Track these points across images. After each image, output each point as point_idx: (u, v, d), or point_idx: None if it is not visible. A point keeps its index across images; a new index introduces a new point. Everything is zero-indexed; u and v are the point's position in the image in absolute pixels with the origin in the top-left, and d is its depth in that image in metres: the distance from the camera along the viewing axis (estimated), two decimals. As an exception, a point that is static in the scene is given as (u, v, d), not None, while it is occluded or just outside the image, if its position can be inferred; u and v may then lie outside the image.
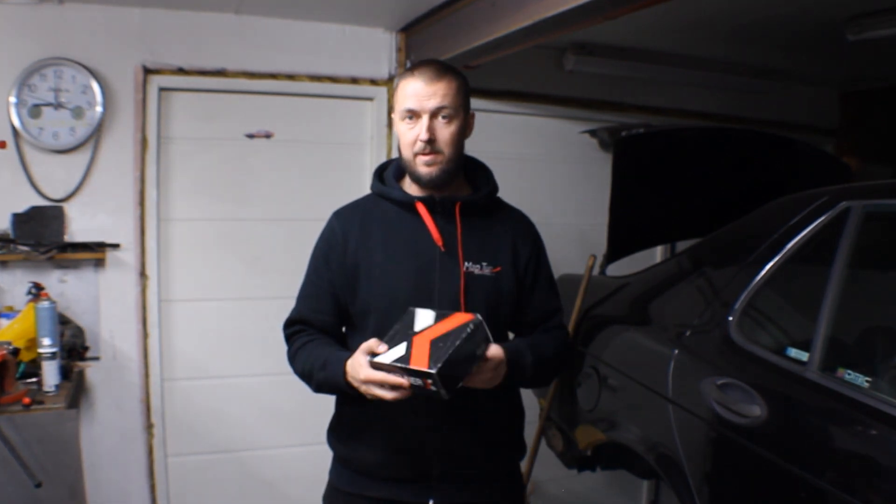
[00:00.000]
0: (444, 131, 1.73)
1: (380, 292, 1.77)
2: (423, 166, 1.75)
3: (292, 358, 1.85)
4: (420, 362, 1.48)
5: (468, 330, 1.52)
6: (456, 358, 1.49)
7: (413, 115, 1.72)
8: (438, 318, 1.58)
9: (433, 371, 1.45)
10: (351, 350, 1.81)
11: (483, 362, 1.57)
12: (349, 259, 1.81)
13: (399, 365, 1.51)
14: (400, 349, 1.55)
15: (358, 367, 1.60)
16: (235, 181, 3.50)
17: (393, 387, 1.55)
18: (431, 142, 1.72)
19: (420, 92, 1.71)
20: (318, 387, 1.78)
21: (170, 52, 3.26)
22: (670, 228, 3.07)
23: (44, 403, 2.49)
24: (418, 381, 1.50)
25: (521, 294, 1.86)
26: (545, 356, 1.83)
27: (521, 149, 3.94)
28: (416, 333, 1.57)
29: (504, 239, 1.85)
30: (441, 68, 1.74)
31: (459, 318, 1.56)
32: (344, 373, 1.66)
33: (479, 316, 1.56)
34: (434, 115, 1.71)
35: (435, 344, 1.51)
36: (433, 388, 1.48)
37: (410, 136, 1.74)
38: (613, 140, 3.54)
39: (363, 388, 1.61)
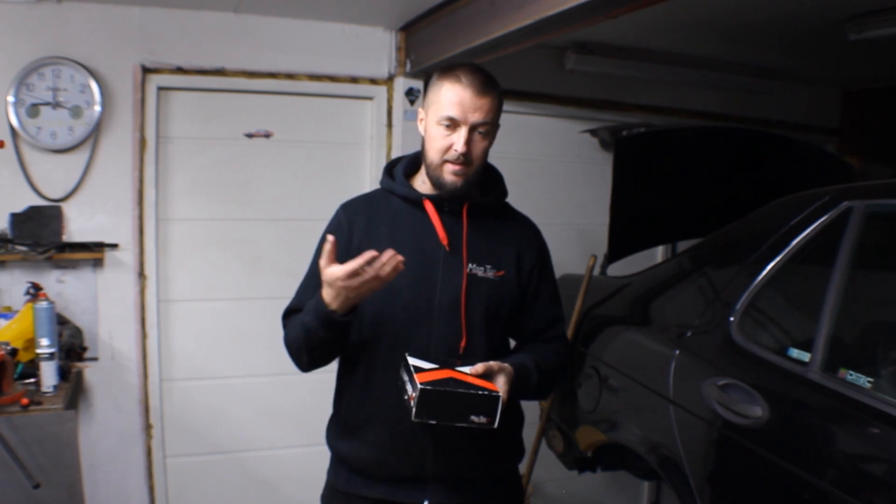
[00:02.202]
0: (479, 145, 1.73)
1: (383, 288, 1.75)
2: (450, 175, 1.73)
3: (285, 341, 1.82)
4: (423, 378, 1.52)
5: (481, 393, 1.54)
6: (448, 400, 1.52)
7: (452, 123, 1.71)
8: (478, 375, 1.60)
9: (420, 387, 1.49)
10: (351, 348, 1.81)
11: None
12: (353, 251, 1.78)
13: (411, 368, 1.57)
14: (426, 364, 1.60)
15: (331, 277, 1.57)
16: (234, 181, 3.49)
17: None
18: (466, 154, 1.71)
19: (466, 103, 1.69)
20: (309, 335, 1.68)
21: (169, 51, 3.25)
22: (671, 228, 3.07)
23: (42, 404, 2.48)
24: (409, 391, 1.54)
25: (522, 300, 1.85)
26: (548, 372, 1.83)
27: (522, 148, 3.93)
28: (454, 368, 1.61)
29: (510, 244, 1.84)
30: (488, 80, 1.72)
31: (488, 384, 1.59)
32: (325, 303, 1.62)
33: (502, 396, 1.56)
34: (473, 128, 1.70)
35: (450, 379, 1.55)
36: (411, 403, 1.51)
37: (444, 143, 1.72)
38: (614, 139, 3.54)
39: (353, 285, 1.57)
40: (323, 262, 1.58)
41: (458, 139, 1.70)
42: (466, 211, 1.79)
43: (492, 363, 1.63)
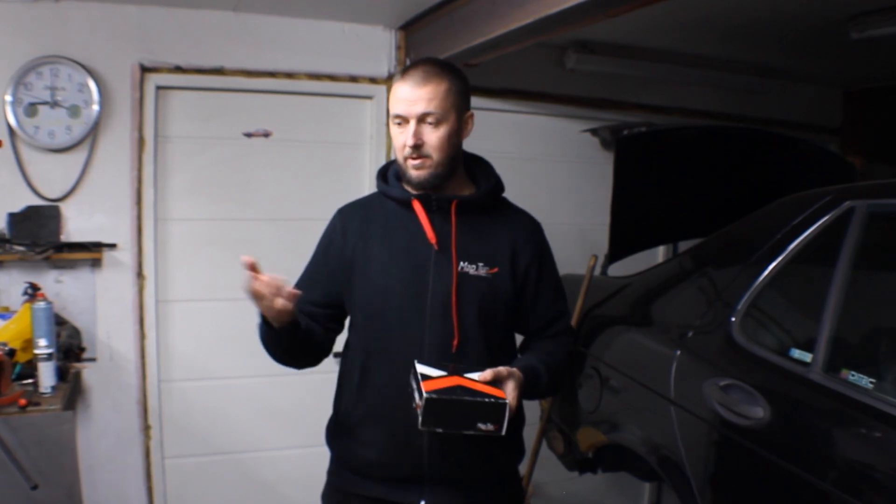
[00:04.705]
0: (432, 136, 1.72)
1: (374, 288, 1.79)
2: (412, 170, 1.75)
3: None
4: (429, 386, 1.52)
5: (487, 400, 1.53)
6: (455, 408, 1.52)
7: (402, 119, 1.73)
8: (485, 381, 1.59)
9: (426, 395, 1.50)
10: (348, 349, 1.87)
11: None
12: (347, 254, 1.83)
13: (419, 376, 1.57)
14: (435, 371, 1.60)
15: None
16: (233, 181, 3.48)
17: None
18: (418, 147, 1.72)
19: (407, 97, 1.71)
20: (264, 341, 1.79)
21: (167, 50, 3.24)
22: (672, 228, 3.05)
23: (40, 405, 2.48)
24: (417, 400, 1.54)
25: (519, 297, 1.84)
26: (558, 371, 1.84)
27: (522, 148, 3.92)
28: (462, 374, 1.60)
29: (503, 240, 1.83)
30: (430, 71, 1.72)
31: (496, 391, 1.57)
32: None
33: (509, 403, 1.55)
34: (421, 119, 1.71)
35: (457, 387, 1.55)
36: (419, 411, 1.52)
37: (400, 141, 1.75)
38: (615, 139, 3.53)
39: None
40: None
41: (408, 133, 1.71)
42: (455, 208, 1.78)
43: (500, 369, 1.63)
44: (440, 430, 1.53)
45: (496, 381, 1.61)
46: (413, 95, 1.70)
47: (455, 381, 1.57)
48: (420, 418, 1.51)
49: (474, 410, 1.53)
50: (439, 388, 1.52)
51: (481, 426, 1.54)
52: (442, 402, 1.50)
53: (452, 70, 1.77)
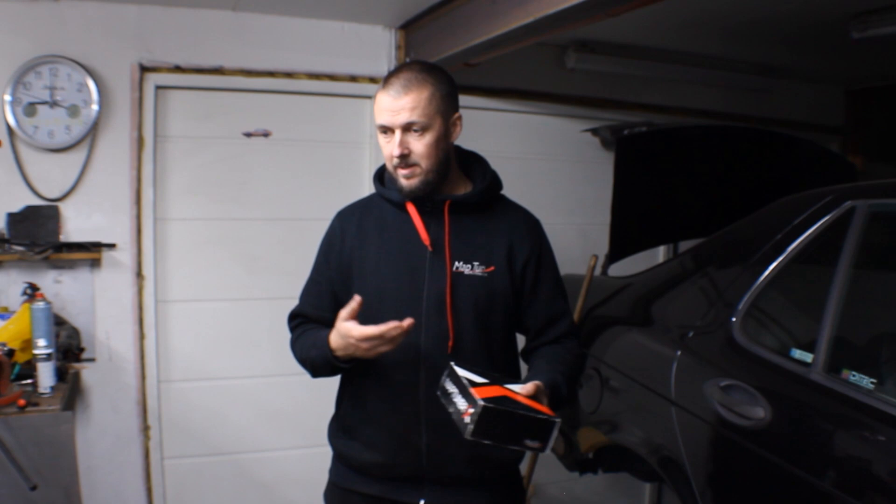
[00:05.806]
0: (418, 144, 1.71)
1: (371, 289, 1.78)
2: (403, 180, 1.74)
3: (292, 347, 1.89)
4: (481, 394, 1.44)
5: (540, 416, 1.46)
6: (507, 421, 1.44)
7: (387, 129, 1.72)
8: (530, 396, 1.53)
9: (482, 404, 1.41)
10: None
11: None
12: (345, 257, 1.84)
13: (463, 381, 1.50)
14: (474, 376, 1.53)
15: (346, 332, 1.61)
16: (233, 180, 3.47)
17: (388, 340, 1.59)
18: (405, 156, 1.70)
19: (389, 107, 1.69)
20: (314, 367, 1.80)
21: (166, 49, 3.24)
22: (673, 228, 3.05)
23: (39, 405, 2.47)
24: (462, 406, 1.47)
25: (518, 296, 1.83)
26: (574, 380, 1.82)
27: (522, 147, 3.91)
28: (503, 384, 1.54)
29: (499, 238, 1.81)
30: (411, 79, 1.69)
31: (543, 407, 1.51)
32: (331, 348, 1.68)
33: (559, 421, 1.48)
34: (406, 129, 1.69)
35: (506, 398, 1.48)
36: (467, 419, 1.43)
37: (387, 150, 1.74)
38: (615, 138, 3.51)
39: (363, 347, 1.61)
40: (344, 313, 1.62)
41: (394, 144, 1.70)
42: (448, 209, 1.77)
43: (539, 383, 1.59)
44: (487, 442, 1.44)
45: (533, 396, 1.55)
46: (395, 105, 1.68)
47: (500, 391, 1.50)
48: (472, 427, 1.41)
49: (526, 425, 1.45)
50: (491, 397, 1.44)
51: (528, 442, 1.46)
52: (496, 413, 1.42)
53: (436, 74, 1.74)
